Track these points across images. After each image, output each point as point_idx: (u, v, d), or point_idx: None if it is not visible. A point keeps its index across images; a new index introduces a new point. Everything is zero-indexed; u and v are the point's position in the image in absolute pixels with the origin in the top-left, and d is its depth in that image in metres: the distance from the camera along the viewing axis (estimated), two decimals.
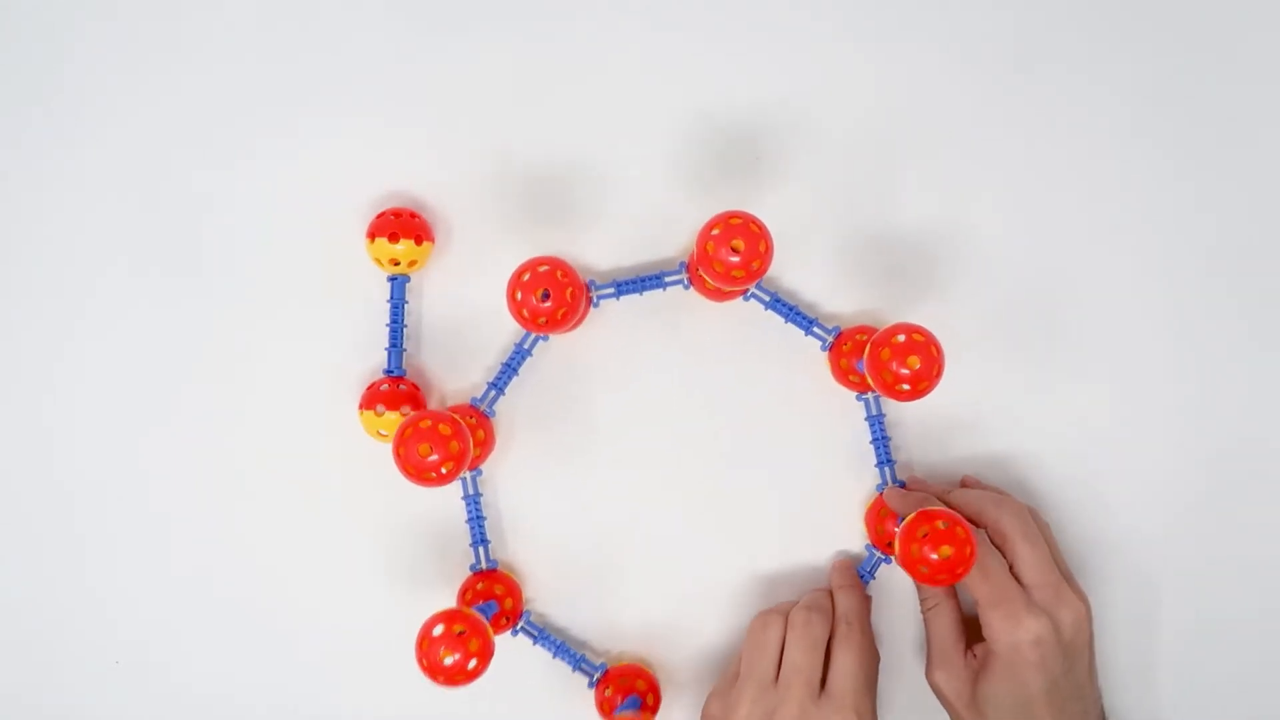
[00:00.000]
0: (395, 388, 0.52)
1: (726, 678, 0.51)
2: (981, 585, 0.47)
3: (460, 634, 0.45)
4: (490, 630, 0.46)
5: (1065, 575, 0.49)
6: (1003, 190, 0.54)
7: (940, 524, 0.46)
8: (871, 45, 0.54)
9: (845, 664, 0.49)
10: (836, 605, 0.51)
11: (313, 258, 0.54)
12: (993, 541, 0.49)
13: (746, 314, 0.54)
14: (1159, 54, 0.55)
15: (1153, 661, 0.55)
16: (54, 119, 0.55)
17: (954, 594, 0.51)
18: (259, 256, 0.54)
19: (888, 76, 0.54)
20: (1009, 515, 0.49)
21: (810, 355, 0.54)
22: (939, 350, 0.46)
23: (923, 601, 0.52)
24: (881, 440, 0.53)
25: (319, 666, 0.55)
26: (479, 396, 0.53)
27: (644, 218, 0.54)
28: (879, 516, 0.53)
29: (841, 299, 0.54)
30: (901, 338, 0.46)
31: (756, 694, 0.49)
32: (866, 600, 0.52)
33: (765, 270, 0.46)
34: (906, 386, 0.47)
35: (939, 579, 0.46)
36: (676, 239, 0.54)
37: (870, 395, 0.53)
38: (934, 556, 0.46)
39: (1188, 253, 0.55)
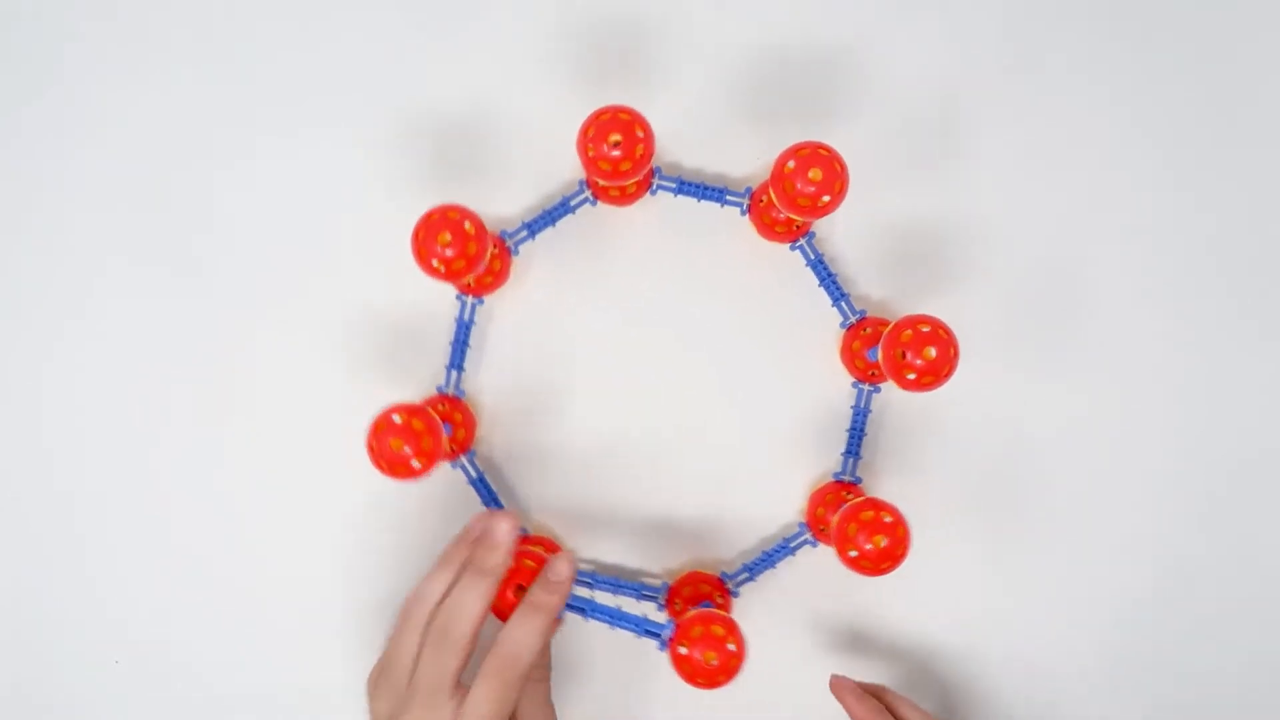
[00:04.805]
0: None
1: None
2: None
3: (416, 430, 0.45)
4: (444, 435, 0.46)
5: None
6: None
7: (885, 516, 0.47)
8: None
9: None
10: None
11: (312, 255, 0.55)
12: None
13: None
14: (1171, 51, 0.56)
15: (1151, 664, 0.55)
16: (52, 118, 0.55)
17: None
18: (257, 254, 0.55)
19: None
20: None
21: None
22: (956, 352, 0.47)
23: None
24: (858, 433, 0.54)
25: (315, 645, 0.55)
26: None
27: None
28: (821, 502, 0.53)
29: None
30: (926, 328, 0.47)
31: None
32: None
33: (834, 208, 0.47)
34: (913, 375, 0.47)
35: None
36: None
37: (865, 386, 0.54)
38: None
39: (1195, 252, 0.55)
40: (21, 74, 0.55)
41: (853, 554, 0.47)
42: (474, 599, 0.44)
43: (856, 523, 0.47)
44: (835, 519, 0.48)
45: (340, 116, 0.55)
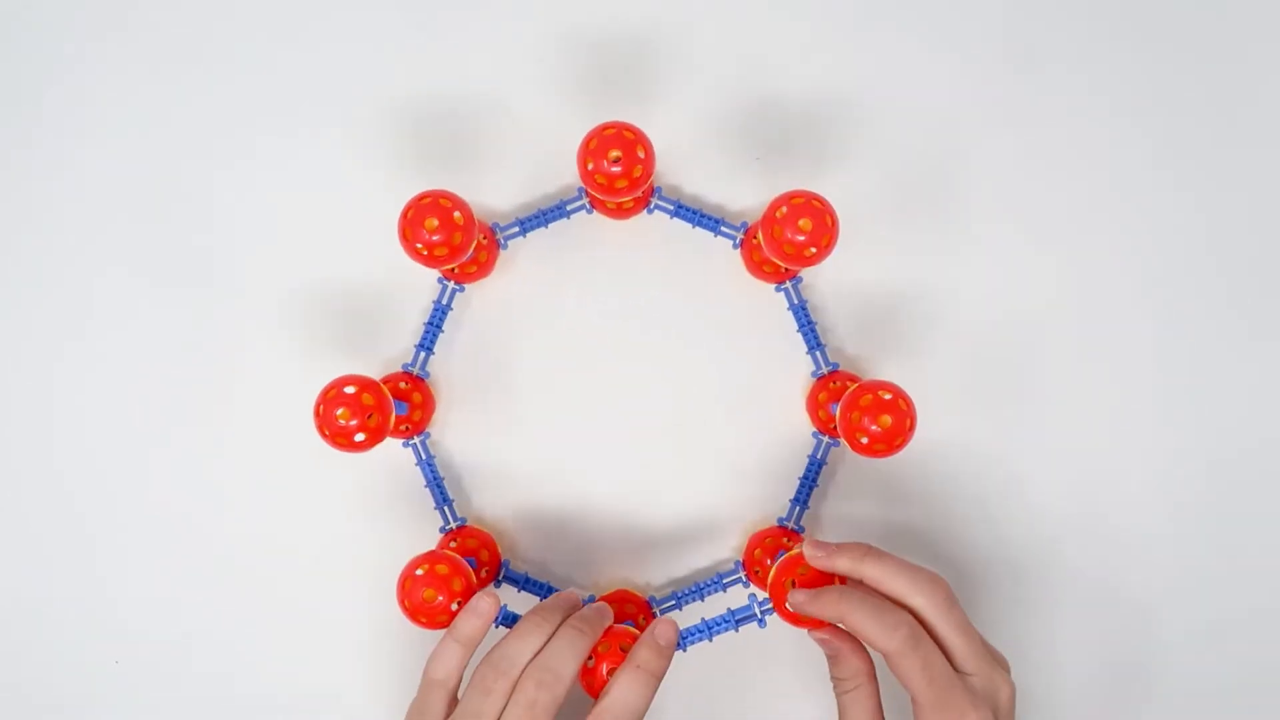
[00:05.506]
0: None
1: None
2: (924, 685, 0.42)
3: (365, 404, 0.46)
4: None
5: (987, 648, 0.45)
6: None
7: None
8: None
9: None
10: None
11: (312, 250, 0.55)
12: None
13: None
14: (1150, 62, 0.56)
15: (1150, 670, 0.55)
16: (55, 126, 0.55)
17: (874, 676, 0.46)
18: (258, 260, 0.55)
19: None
20: (934, 604, 0.44)
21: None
22: (912, 423, 0.47)
23: (839, 682, 0.46)
24: (809, 483, 0.54)
25: (313, 644, 0.55)
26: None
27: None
28: (760, 544, 0.53)
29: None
30: (887, 395, 0.47)
31: None
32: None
33: (820, 259, 0.48)
34: (865, 440, 0.47)
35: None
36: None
37: (825, 439, 0.54)
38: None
39: (1184, 258, 0.56)
40: (21, 75, 0.56)
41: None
42: (578, 649, 0.44)
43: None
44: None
45: (341, 115, 0.55)
